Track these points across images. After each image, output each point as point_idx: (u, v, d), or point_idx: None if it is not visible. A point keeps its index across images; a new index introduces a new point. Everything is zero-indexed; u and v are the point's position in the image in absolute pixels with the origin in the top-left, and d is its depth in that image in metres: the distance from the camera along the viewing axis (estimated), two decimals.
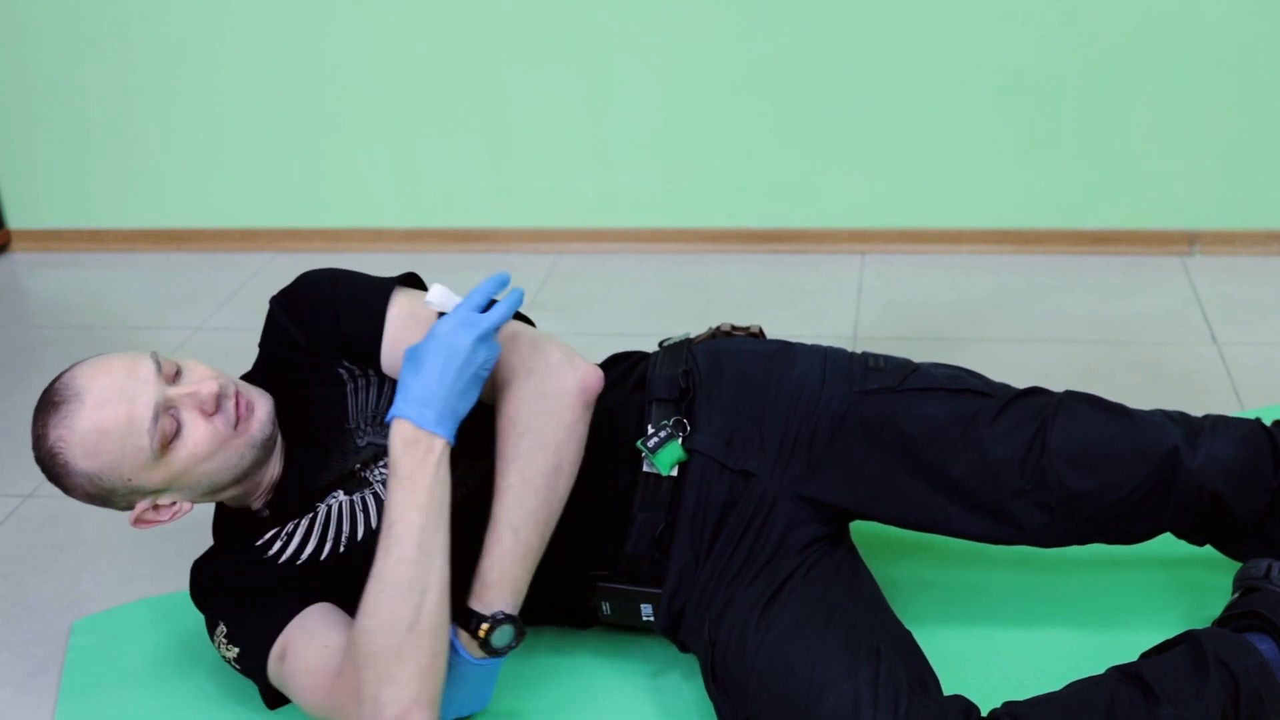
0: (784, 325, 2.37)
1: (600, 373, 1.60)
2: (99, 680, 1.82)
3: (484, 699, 1.59)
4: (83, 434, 1.48)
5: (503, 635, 1.50)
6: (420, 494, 1.44)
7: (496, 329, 1.49)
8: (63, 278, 3.25)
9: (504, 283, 1.54)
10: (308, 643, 1.53)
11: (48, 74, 3.21)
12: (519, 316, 1.66)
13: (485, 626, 1.49)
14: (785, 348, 1.77)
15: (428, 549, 1.44)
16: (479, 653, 1.51)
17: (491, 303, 1.53)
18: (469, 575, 1.52)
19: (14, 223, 3.40)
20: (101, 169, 3.30)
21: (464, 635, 1.51)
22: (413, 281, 1.71)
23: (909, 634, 1.60)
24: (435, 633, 1.44)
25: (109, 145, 3.27)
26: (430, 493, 1.45)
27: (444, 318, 1.49)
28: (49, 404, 1.50)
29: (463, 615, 1.50)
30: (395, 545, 1.44)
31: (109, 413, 1.47)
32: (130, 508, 1.56)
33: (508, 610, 1.50)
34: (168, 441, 1.50)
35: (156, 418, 1.48)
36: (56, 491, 2.28)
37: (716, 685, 1.56)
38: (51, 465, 1.51)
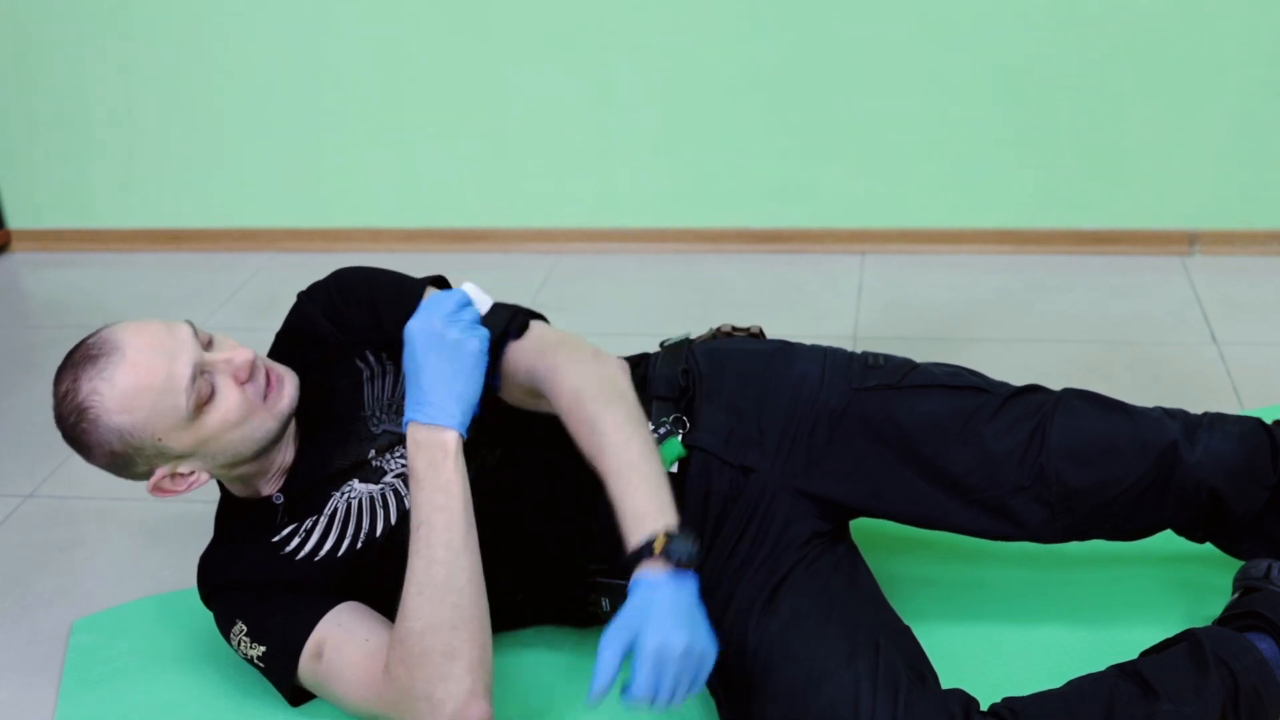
0: (784, 325, 2.36)
1: (622, 359, 1.65)
2: (99, 680, 1.81)
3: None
4: (122, 388, 1.48)
5: (678, 545, 1.39)
6: (439, 494, 1.47)
7: (462, 307, 1.51)
8: (63, 278, 3.25)
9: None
10: (347, 640, 1.54)
11: (48, 74, 3.21)
12: (531, 314, 1.66)
13: (659, 544, 1.39)
14: (785, 347, 1.78)
15: (455, 546, 1.46)
16: (669, 565, 1.40)
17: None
18: (507, 555, 1.55)
19: (14, 223, 3.41)
20: (101, 169, 3.30)
21: (645, 568, 1.40)
22: (441, 285, 1.73)
23: (908, 629, 1.60)
24: (479, 624, 1.46)
25: (109, 145, 3.27)
26: (448, 491, 1.47)
27: (409, 321, 1.51)
28: (84, 358, 1.50)
29: (634, 558, 1.41)
30: (425, 548, 1.46)
31: (149, 369, 1.49)
32: (148, 474, 1.57)
33: (669, 526, 1.41)
34: (202, 404, 1.52)
35: (195, 378, 1.50)
36: (57, 491, 2.29)
37: (717, 679, 1.57)
38: (79, 420, 1.50)
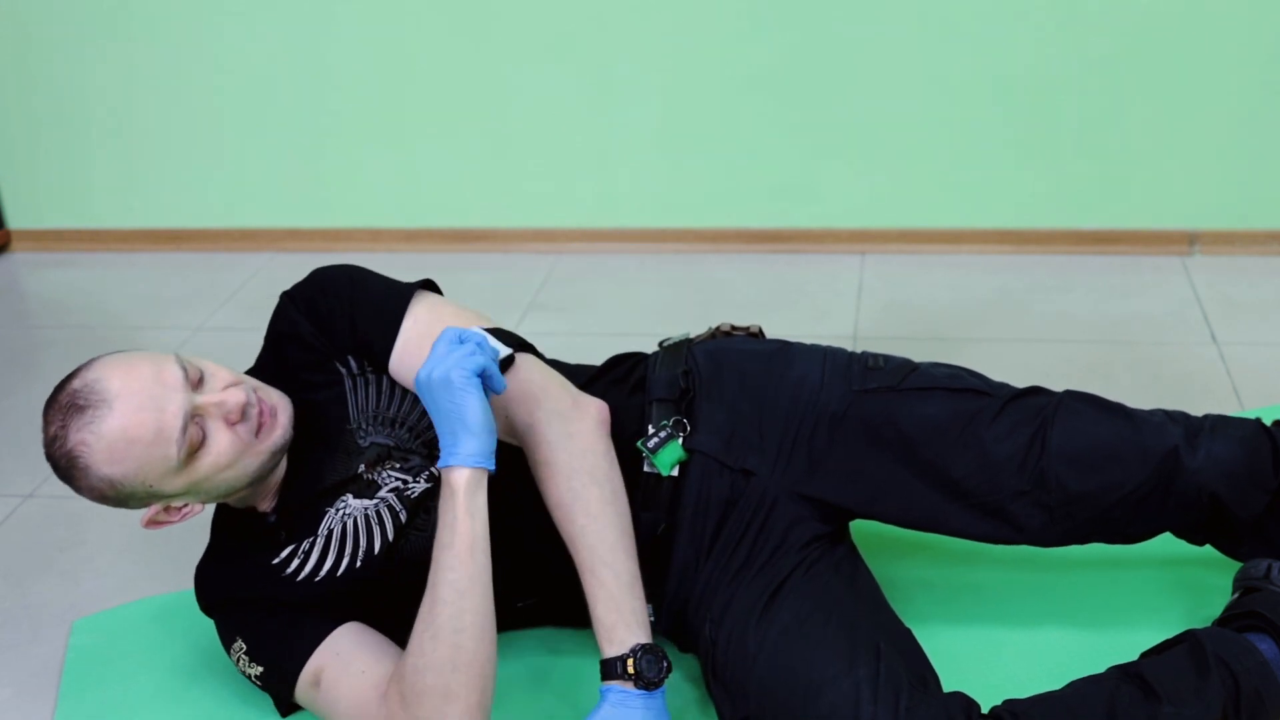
0: (784, 325, 2.37)
1: (603, 402, 1.62)
2: (99, 680, 1.82)
3: None
4: (110, 441, 1.45)
5: (650, 665, 1.47)
6: (445, 532, 1.45)
7: (456, 344, 1.48)
8: (63, 278, 3.25)
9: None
10: (343, 670, 1.54)
11: (48, 74, 3.21)
12: (527, 346, 1.65)
13: (631, 663, 1.47)
14: (784, 347, 1.77)
15: (460, 587, 1.44)
16: (638, 687, 1.48)
17: None
18: (511, 569, 1.54)
19: (14, 223, 3.41)
20: (101, 169, 3.30)
21: (617, 683, 1.48)
22: (430, 288, 1.71)
23: (909, 631, 1.60)
24: (481, 668, 1.45)
25: (109, 145, 3.27)
26: (453, 529, 1.45)
27: (419, 372, 1.48)
28: (72, 406, 1.46)
29: (606, 668, 1.49)
30: (431, 586, 1.45)
31: (137, 421, 1.45)
32: (143, 508, 1.56)
33: (641, 641, 1.49)
34: (194, 450, 1.49)
35: (185, 428, 1.47)
36: (57, 491, 2.29)
37: (717, 683, 1.57)
38: (69, 467, 1.48)
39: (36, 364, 2.79)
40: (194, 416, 1.48)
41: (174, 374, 1.48)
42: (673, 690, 1.71)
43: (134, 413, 1.45)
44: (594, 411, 1.59)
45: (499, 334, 1.62)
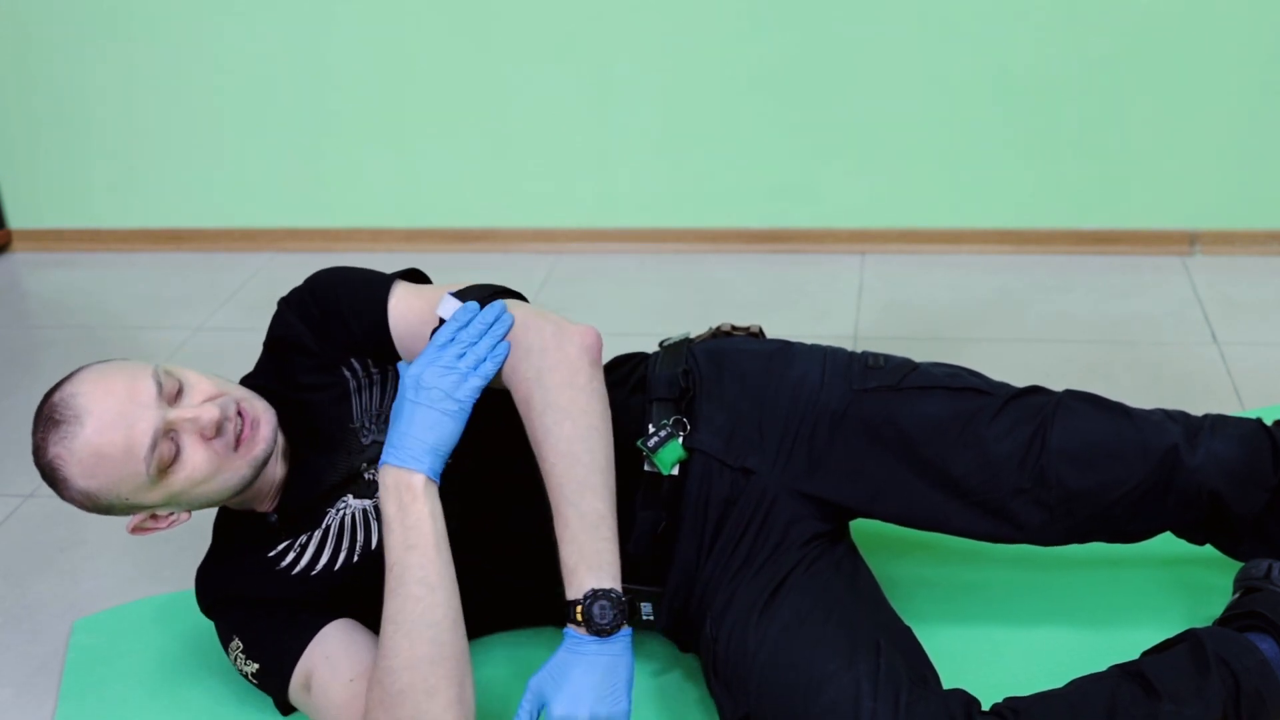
0: (784, 325, 2.37)
1: (596, 330, 1.58)
2: (99, 680, 1.82)
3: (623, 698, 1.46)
4: (81, 456, 1.46)
5: (601, 611, 1.43)
6: (410, 534, 1.45)
7: (475, 370, 1.50)
8: (63, 278, 3.25)
9: (473, 312, 1.54)
10: (331, 678, 1.54)
11: (48, 74, 3.21)
12: (508, 293, 1.64)
13: (579, 609, 1.44)
14: (785, 347, 1.78)
15: (430, 583, 1.44)
16: (590, 633, 1.44)
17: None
18: (497, 563, 1.54)
19: (14, 223, 3.41)
20: (101, 169, 3.30)
21: (572, 626, 1.45)
22: (414, 277, 1.71)
23: (909, 630, 1.60)
24: (457, 660, 1.44)
25: (109, 145, 3.27)
26: (418, 530, 1.45)
27: (412, 364, 1.50)
28: (49, 419, 1.48)
29: (568, 610, 1.45)
30: (399, 585, 1.44)
31: (107, 438, 1.45)
32: (129, 515, 1.56)
33: (602, 586, 1.44)
34: (166, 466, 1.49)
35: (155, 445, 1.47)
36: None
37: (718, 681, 1.57)
38: (51, 476, 1.49)
39: (36, 364, 2.79)
40: (167, 432, 1.48)
41: (147, 390, 1.48)
42: (674, 690, 1.71)
43: (104, 430, 1.46)
44: (577, 339, 1.55)
45: (475, 289, 1.60)
